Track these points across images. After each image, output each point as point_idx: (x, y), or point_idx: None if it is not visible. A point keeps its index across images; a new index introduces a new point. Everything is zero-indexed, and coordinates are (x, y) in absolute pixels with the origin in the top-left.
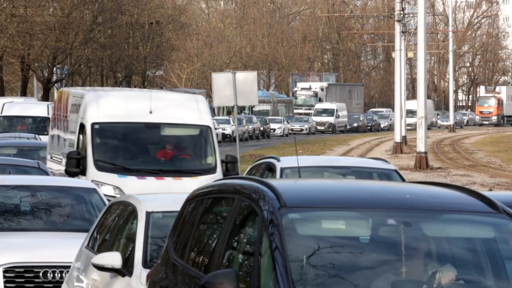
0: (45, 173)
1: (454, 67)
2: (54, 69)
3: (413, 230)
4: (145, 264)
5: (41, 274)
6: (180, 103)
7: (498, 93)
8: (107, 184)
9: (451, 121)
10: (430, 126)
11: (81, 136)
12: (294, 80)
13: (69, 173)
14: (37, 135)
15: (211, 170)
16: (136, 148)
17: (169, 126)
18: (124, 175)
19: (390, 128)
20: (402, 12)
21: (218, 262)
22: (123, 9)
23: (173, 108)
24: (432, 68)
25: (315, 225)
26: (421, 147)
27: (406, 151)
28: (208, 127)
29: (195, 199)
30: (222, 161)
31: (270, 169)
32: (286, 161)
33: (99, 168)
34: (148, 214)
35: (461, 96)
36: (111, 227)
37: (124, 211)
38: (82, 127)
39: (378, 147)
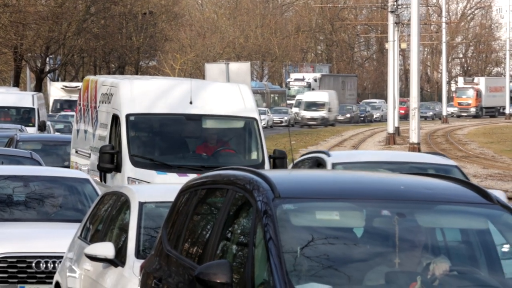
0: (38, 163)
1: (447, 58)
2: (47, 59)
3: (407, 221)
4: (137, 254)
5: (33, 264)
6: (223, 93)
7: (477, 84)
8: (145, 182)
9: (444, 112)
10: (334, 122)
11: (114, 129)
12: (287, 71)
13: (102, 169)
14: (23, 127)
15: (257, 166)
16: (176, 142)
17: (211, 118)
18: (164, 172)
19: (382, 119)
20: (395, 3)
21: (212, 253)
22: None
23: (216, 99)
24: (425, 59)
25: (309, 216)
26: (414, 138)
27: (399, 142)
28: (254, 119)
29: (189, 190)
30: (269, 157)
31: (319, 164)
32: (338, 156)
33: (136, 164)
34: (141, 204)
35: (454, 87)
36: (104, 217)
37: (117, 202)
38: (115, 118)
39: (371, 138)
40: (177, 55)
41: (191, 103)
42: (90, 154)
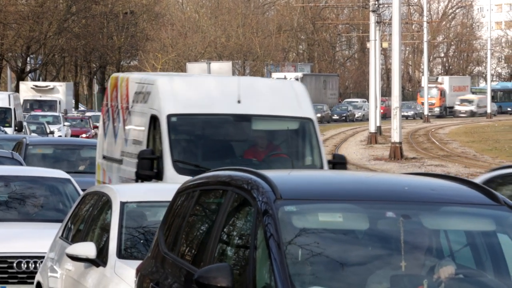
0: (19, 163)
1: (428, 58)
2: (28, 59)
3: (412, 223)
4: (119, 254)
5: (15, 265)
6: (274, 91)
7: (441, 83)
8: None
9: (425, 111)
10: None
11: (152, 131)
12: (269, 70)
13: (141, 176)
14: (1, 127)
15: None
16: (223, 146)
17: (262, 118)
18: None
19: (364, 118)
20: (377, 2)
21: (211, 256)
22: None
23: (266, 97)
24: (406, 59)
25: (312, 218)
26: (395, 137)
27: (380, 141)
28: (310, 120)
29: (185, 191)
30: (328, 162)
31: None
32: None
33: (180, 170)
34: (123, 204)
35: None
36: (86, 217)
37: (98, 201)
38: (154, 120)
39: (353, 137)
40: (158, 54)
41: (239, 102)
42: (122, 159)
